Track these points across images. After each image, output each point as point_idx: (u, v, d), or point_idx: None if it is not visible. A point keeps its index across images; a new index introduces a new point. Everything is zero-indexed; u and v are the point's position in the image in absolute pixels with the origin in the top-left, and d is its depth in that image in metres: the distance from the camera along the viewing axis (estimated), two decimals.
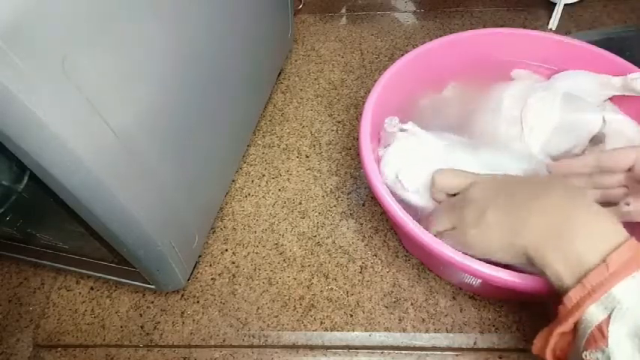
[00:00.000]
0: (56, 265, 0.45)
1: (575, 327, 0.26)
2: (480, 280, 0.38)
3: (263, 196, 0.51)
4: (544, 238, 0.28)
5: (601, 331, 0.24)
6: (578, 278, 0.26)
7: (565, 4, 0.64)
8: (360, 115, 0.42)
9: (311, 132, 0.56)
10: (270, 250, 0.47)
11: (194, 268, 0.46)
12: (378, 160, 0.40)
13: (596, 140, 0.40)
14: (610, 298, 0.24)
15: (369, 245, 0.46)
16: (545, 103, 0.42)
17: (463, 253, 0.33)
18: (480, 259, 0.32)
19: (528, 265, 0.30)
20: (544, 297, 0.31)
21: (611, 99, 0.44)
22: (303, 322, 0.42)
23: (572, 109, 0.41)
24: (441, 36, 0.48)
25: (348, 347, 0.41)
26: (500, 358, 0.40)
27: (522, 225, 0.29)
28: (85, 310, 0.44)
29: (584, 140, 0.40)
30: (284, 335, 0.42)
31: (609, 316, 0.24)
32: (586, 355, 0.24)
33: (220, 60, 0.41)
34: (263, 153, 0.55)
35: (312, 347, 0.41)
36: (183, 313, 0.43)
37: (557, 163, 0.38)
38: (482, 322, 0.40)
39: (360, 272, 0.44)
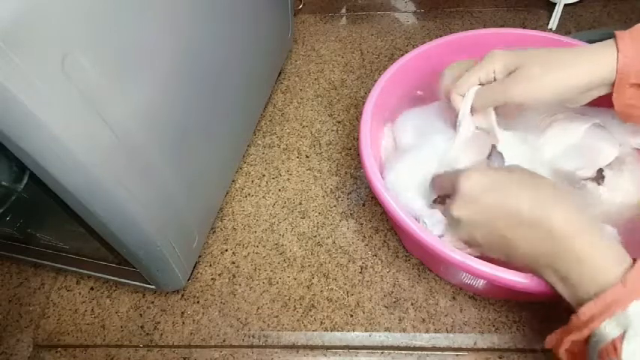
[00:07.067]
0: (56, 265, 0.45)
1: (588, 338, 0.26)
2: (480, 280, 0.38)
3: (263, 196, 0.51)
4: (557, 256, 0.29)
5: (614, 347, 0.25)
6: (594, 293, 0.27)
7: (565, 4, 0.64)
8: (360, 115, 0.42)
9: (311, 132, 0.56)
10: (270, 250, 0.47)
11: (194, 268, 0.46)
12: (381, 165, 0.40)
13: (598, 177, 0.40)
14: (625, 316, 0.25)
15: (369, 245, 0.46)
16: (574, 120, 0.41)
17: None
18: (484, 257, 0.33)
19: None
20: (545, 298, 0.31)
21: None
22: (303, 322, 0.42)
23: (595, 137, 0.40)
24: (441, 36, 0.48)
25: (348, 347, 0.41)
26: (500, 358, 0.40)
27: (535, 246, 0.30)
28: (85, 310, 0.44)
29: (592, 167, 0.40)
30: (284, 335, 0.42)
31: (623, 333, 0.25)
32: None
33: (220, 60, 0.41)
34: (263, 153, 0.55)
35: (312, 347, 0.41)
36: (183, 313, 0.43)
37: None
38: (482, 322, 0.40)
39: (360, 272, 0.44)
